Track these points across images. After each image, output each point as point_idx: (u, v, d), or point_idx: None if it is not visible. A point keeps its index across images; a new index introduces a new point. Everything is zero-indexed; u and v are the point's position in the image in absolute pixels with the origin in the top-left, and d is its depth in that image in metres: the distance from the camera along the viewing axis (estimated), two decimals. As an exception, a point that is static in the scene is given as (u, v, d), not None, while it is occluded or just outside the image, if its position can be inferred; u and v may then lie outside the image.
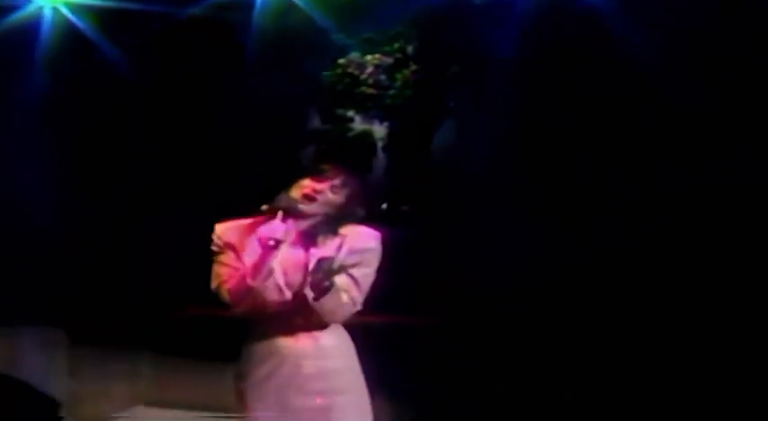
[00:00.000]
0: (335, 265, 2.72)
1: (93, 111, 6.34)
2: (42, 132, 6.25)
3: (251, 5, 6.20)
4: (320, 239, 2.79)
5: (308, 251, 2.76)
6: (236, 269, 2.78)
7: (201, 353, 4.94)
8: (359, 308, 2.82)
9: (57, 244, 5.94)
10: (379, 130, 6.56)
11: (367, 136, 6.55)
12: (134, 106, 6.31)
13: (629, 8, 5.43)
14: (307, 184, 2.81)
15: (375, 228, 2.89)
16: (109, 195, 6.21)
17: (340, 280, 2.75)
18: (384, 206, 6.29)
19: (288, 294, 2.72)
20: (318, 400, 2.76)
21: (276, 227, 2.72)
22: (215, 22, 6.28)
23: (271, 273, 2.70)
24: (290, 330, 2.78)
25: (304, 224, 2.79)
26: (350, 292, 2.77)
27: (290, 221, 2.75)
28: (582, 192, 5.53)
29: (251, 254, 2.76)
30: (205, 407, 4.53)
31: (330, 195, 2.81)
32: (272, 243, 2.70)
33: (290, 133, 6.38)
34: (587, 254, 5.33)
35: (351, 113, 6.57)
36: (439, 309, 5.38)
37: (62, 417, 4.48)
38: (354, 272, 2.78)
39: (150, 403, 4.86)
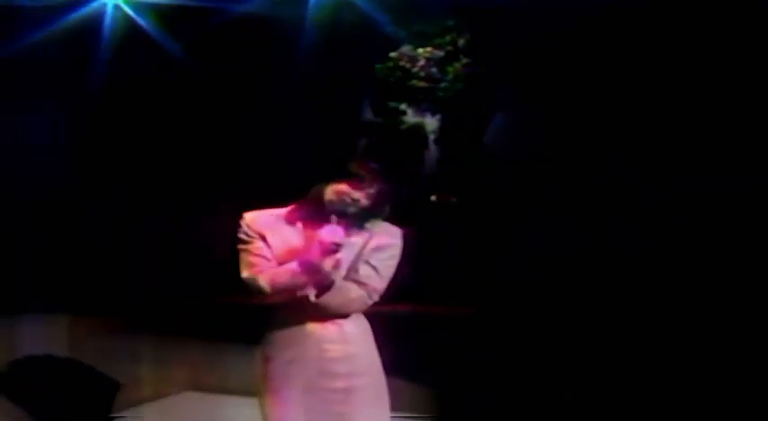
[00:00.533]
0: (360, 260, 2.82)
1: (155, 101, 6.55)
2: (98, 122, 6.48)
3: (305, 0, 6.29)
4: (348, 234, 2.85)
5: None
6: (267, 259, 2.85)
7: (248, 339, 5.03)
8: (377, 299, 2.88)
9: (106, 232, 6.14)
10: (431, 123, 6.59)
11: (419, 128, 6.58)
12: (192, 95, 6.48)
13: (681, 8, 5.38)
14: (343, 190, 2.82)
15: (406, 225, 2.95)
16: (163, 183, 6.41)
17: (363, 270, 2.83)
18: (433, 198, 6.32)
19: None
20: (341, 383, 2.84)
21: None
22: (270, 17, 6.38)
23: (319, 270, 2.79)
24: (315, 316, 2.86)
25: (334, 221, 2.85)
26: (370, 284, 2.84)
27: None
28: (631, 187, 5.47)
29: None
30: (253, 393, 4.61)
31: (363, 202, 2.86)
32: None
33: (342, 125, 6.45)
34: (632, 251, 5.28)
35: (403, 106, 6.62)
36: (479, 299, 5.39)
37: (113, 400, 4.62)
38: (377, 264, 2.86)
39: (198, 388, 4.97)
